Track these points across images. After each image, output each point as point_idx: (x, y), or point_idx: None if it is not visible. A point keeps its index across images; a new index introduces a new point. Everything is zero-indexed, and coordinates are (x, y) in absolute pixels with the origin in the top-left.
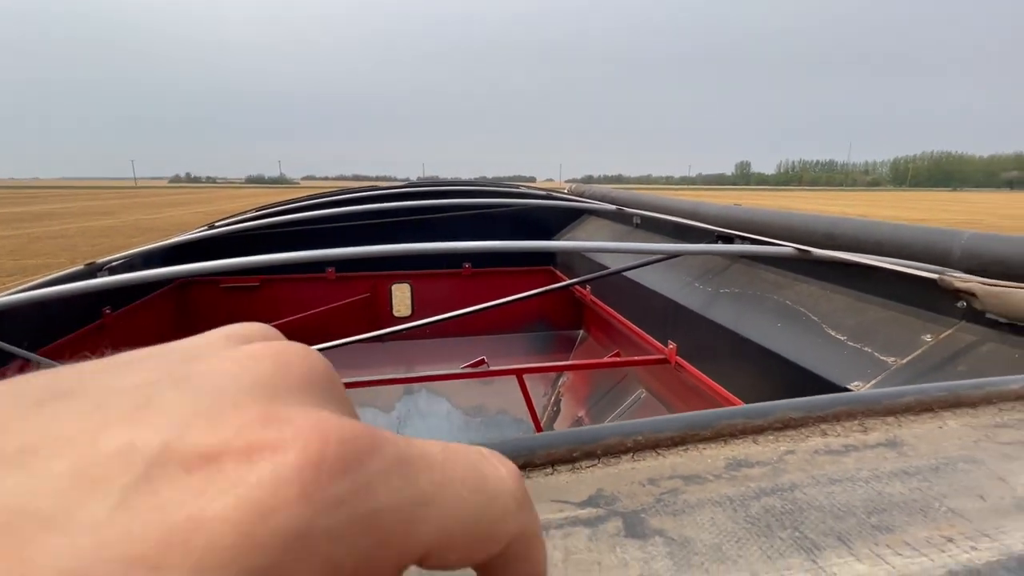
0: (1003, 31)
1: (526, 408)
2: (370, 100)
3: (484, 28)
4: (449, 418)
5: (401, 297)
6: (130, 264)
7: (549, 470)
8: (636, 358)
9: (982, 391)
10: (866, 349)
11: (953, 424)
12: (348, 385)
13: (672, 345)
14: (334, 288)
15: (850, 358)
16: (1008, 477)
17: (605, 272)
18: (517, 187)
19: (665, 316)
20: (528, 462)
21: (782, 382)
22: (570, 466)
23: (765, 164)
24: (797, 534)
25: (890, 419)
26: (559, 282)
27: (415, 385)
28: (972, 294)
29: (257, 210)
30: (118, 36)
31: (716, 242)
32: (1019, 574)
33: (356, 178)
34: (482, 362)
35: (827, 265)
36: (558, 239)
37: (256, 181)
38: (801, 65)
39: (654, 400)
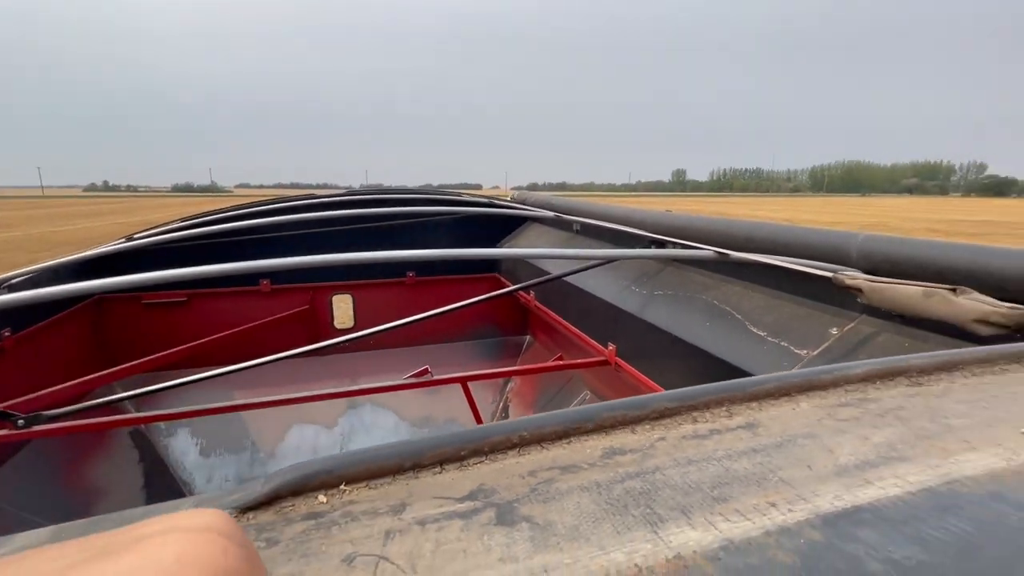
0: (906, 48)
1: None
2: (310, 105)
3: (428, 29)
4: (396, 430)
5: (343, 308)
6: (34, 281)
7: (438, 469)
8: (579, 361)
9: (831, 376)
10: (783, 343)
11: (806, 405)
12: (286, 402)
13: (612, 347)
14: (270, 301)
15: (770, 352)
16: (835, 448)
17: (548, 278)
18: (460, 195)
19: (605, 319)
20: (417, 463)
21: (712, 377)
22: (458, 464)
23: (699, 171)
24: (648, 511)
25: (754, 404)
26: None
27: (359, 399)
28: (859, 290)
29: (183, 220)
30: (16, 27)
31: (650, 247)
32: (821, 530)
33: (295, 186)
34: (426, 371)
35: (747, 266)
36: (501, 246)
37: (184, 190)
38: (727, 74)
39: (597, 401)
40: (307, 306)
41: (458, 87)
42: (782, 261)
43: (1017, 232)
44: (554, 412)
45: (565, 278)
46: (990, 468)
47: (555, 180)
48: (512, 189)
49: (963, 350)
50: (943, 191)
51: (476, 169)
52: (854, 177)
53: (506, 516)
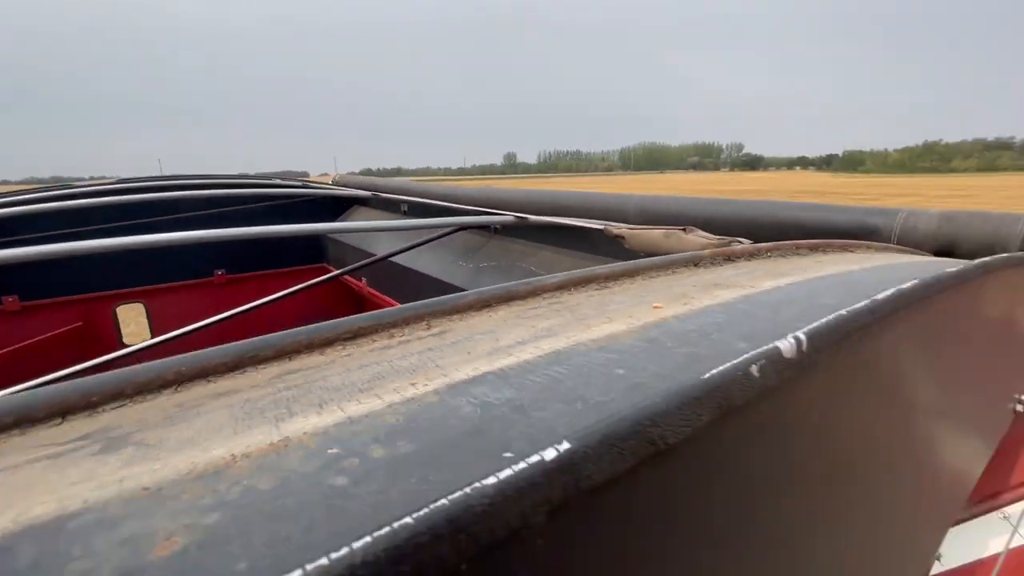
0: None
1: None
2: (79, 79)
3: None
4: None
5: (136, 320)
6: None
7: (58, 420)
8: None
9: (530, 287)
10: None
11: (503, 313)
12: None
13: None
14: (21, 323)
15: None
16: (503, 337)
17: (376, 258)
18: (271, 180)
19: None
20: (24, 417)
21: None
22: (88, 412)
23: (529, 155)
24: (282, 411)
25: (455, 316)
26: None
27: None
28: (623, 237)
29: None
30: None
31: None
32: (442, 394)
33: (56, 181)
34: None
35: (557, 231)
36: None
37: None
38: (554, 59)
39: None
40: (81, 323)
41: (282, 69)
42: (564, 220)
43: (760, 195)
44: (229, 344)
45: (394, 259)
46: (611, 332)
47: (390, 166)
48: (347, 175)
49: (646, 259)
50: (716, 167)
51: (302, 156)
52: (653, 157)
53: (114, 446)
